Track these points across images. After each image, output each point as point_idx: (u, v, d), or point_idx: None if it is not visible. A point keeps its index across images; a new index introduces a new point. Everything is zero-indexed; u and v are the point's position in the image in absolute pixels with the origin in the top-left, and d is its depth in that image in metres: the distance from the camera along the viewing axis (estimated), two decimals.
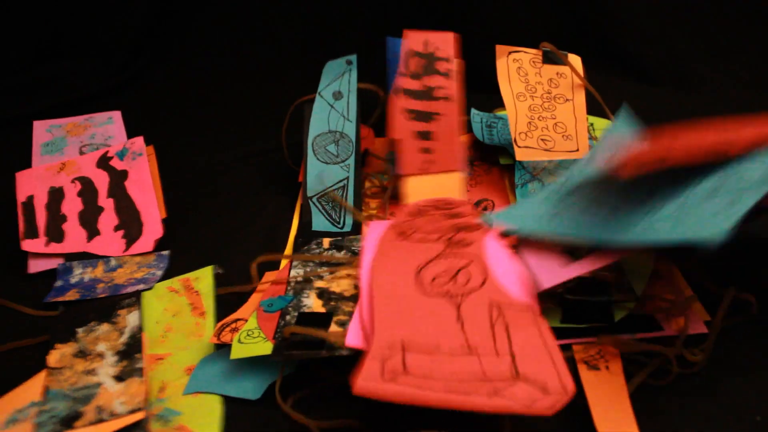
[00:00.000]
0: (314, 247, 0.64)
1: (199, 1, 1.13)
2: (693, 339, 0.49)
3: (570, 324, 0.51)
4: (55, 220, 0.68)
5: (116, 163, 0.71)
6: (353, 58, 0.78)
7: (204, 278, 0.61)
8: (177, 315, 0.57)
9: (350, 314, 0.52)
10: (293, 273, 0.59)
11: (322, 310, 0.53)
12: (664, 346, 0.48)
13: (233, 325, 0.54)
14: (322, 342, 0.48)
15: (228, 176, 0.83)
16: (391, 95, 0.69)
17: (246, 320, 0.54)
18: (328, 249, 0.63)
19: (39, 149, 0.77)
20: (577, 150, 0.70)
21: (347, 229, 0.68)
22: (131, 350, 0.53)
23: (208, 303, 0.58)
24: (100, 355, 0.53)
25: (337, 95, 0.75)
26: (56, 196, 0.70)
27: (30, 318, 0.61)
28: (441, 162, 0.68)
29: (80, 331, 0.56)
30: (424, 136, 0.67)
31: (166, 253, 0.67)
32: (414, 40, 0.70)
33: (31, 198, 0.70)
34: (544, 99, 0.72)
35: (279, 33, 1.12)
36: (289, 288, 0.57)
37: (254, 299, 0.58)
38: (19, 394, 0.50)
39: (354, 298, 0.54)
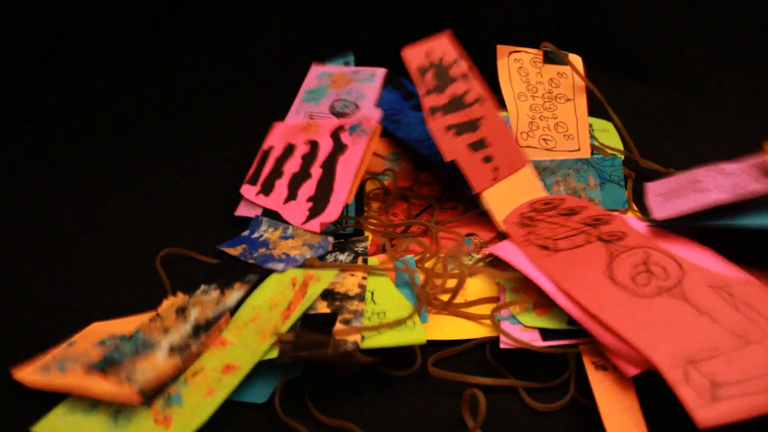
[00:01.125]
0: None
1: (199, 2, 1.13)
2: None
3: (577, 325, 0.51)
4: (274, 174, 0.70)
5: (344, 137, 0.70)
6: (350, 58, 0.78)
7: (322, 280, 0.56)
8: (273, 308, 0.54)
9: (355, 312, 0.52)
10: None
11: (327, 310, 0.53)
12: None
13: None
14: (327, 341, 0.48)
15: (228, 176, 0.83)
16: (427, 120, 0.66)
17: None
18: (330, 251, 0.63)
19: (302, 94, 0.78)
20: (579, 149, 0.71)
21: (349, 230, 0.68)
22: (206, 328, 0.52)
23: (301, 306, 0.53)
24: (185, 320, 0.53)
25: None
26: (288, 152, 0.71)
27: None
28: (506, 164, 0.66)
29: (199, 290, 0.57)
30: (479, 145, 0.66)
31: (330, 238, 0.64)
32: (415, 57, 0.68)
33: (270, 148, 0.72)
34: (545, 99, 0.73)
35: (279, 33, 1.12)
36: None
37: None
38: (129, 323, 0.54)
39: (358, 297, 0.54)
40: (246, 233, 0.67)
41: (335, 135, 0.70)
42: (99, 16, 1.09)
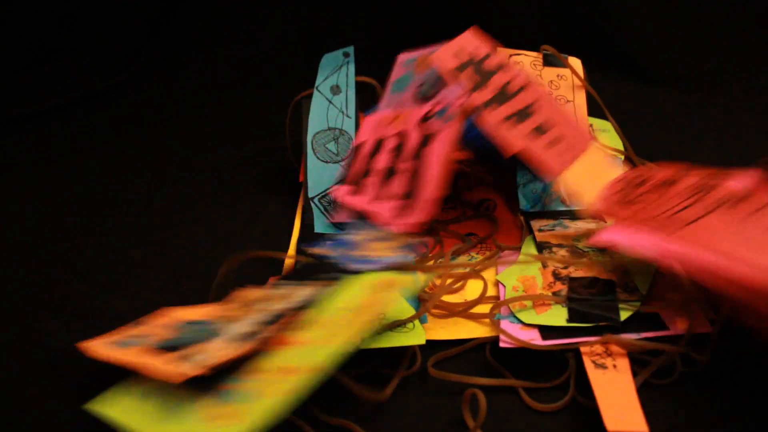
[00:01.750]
0: None
1: (199, 1, 1.13)
2: (697, 338, 0.49)
3: (576, 324, 0.51)
4: (364, 172, 0.66)
5: (432, 124, 0.63)
6: (350, 50, 0.77)
7: (403, 285, 0.51)
8: (349, 312, 0.50)
9: None
10: None
11: None
12: (668, 345, 0.48)
13: None
14: None
15: (228, 176, 0.83)
16: (482, 116, 0.62)
17: None
18: None
19: (390, 86, 0.72)
20: None
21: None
22: (273, 322, 0.49)
23: (380, 314, 0.49)
24: (254, 312, 0.51)
25: (335, 90, 0.74)
26: (377, 147, 0.66)
27: None
28: (573, 143, 0.63)
29: (269, 284, 0.55)
30: (541, 130, 0.62)
31: (418, 242, 0.60)
32: (445, 60, 0.64)
33: (361, 144, 0.68)
34: None
35: (278, 32, 1.12)
36: None
37: None
38: (198, 310, 0.53)
39: None
40: (335, 234, 0.64)
41: (423, 123, 0.64)
42: (99, 16, 1.09)
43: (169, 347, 0.47)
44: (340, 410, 0.48)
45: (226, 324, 0.50)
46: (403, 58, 0.74)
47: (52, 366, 0.53)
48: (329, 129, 0.72)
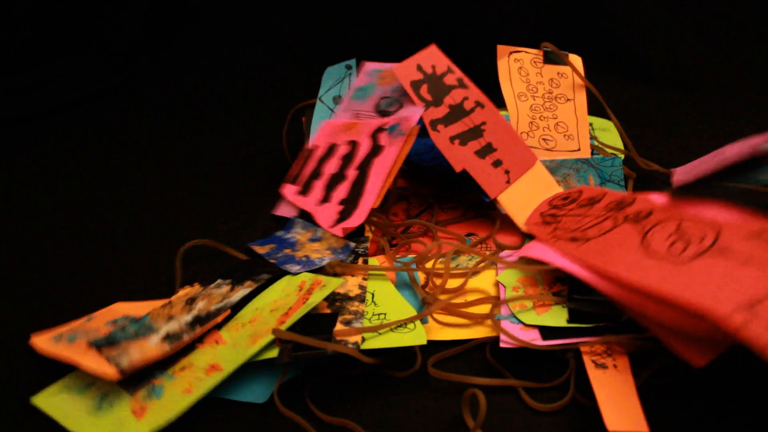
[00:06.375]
0: None
1: (199, 2, 1.13)
2: None
3: (577, 324, 0.51)
4: (314, 174, 0.68)
5: (382, 137, 0.67)
6: (352, 62, 0.78)
7: (327, 288, 0.54)
8: (273, 312, 0.53)
9: (355, 313, 0.52)
10: None
11: (328, 310, 0.53)
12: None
13: None
14: (327, 342, 0.48)
15: (228, 176, 0.83)
16: (430, 134, 0.65)
17: None
18: None
19: (352, 92, 0.75)
20: (579, 149, 0.71)
21: None
22: (204, 321, 0.52)
23: (299, 313, 0.51)
24: (188, 311, 0.53)
25: (338, 100, 0.75)
26: (329, 152, 0.69)
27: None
28: (516, 165, 0.66)
29: (214, 283, 0.56)
30: (486, 151, 0.65)
31: (352, 244, 0.62)
32: (406, 73, 0.68)
33: (315, 147, 0.71)
34: (545, 99, 0.73)
35: (279, 34, 1.12)
36: None
37: None
38: (148, 307, 0.54)
39: (359, 298, 0.54)
40: (280, 233, 0.66)
41: (374, 135, 0.68)
42: (99, 16, 1.10)
43: (105, 343, 0.48)
44: (340, 410, 0.48)
45: (163, 321, 0.51)
46: (369, 67, 0.76)
47: (49, 362, 0.53)
48: None
